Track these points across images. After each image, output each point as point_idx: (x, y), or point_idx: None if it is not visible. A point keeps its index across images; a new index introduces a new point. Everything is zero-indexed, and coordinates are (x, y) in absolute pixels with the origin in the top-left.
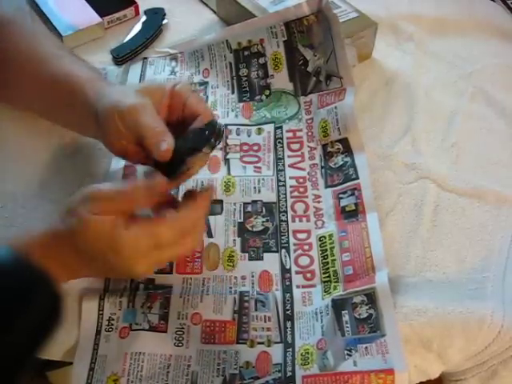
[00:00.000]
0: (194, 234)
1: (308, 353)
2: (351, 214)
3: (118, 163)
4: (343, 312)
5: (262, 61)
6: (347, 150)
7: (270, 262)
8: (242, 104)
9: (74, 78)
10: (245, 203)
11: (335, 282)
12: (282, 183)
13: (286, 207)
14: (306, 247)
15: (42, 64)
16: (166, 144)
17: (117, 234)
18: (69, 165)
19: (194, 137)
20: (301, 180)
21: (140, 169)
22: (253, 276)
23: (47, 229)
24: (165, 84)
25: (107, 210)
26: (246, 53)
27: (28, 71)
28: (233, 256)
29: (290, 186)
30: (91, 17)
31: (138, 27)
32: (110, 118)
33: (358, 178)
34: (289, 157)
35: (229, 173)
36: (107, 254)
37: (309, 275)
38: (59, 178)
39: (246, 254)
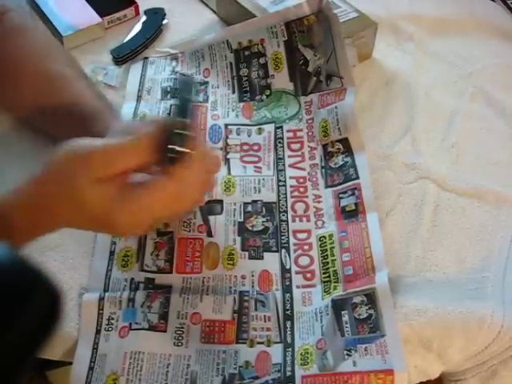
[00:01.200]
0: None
1: (308, 353)
2: (351, 213)
3: None
4: (343, 312)
5: (262, 61)
6: (347, 149)
7: (270, 262)
8: (242, 104)
9: (89, 107)
10: (245, 203)
11: (335, 282)
12: (282, 183)
13: (286, 207)
14: (306, 247)
15: (53, 85)
16: None
17: (113, 212)
18: None
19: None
20: (301, 180)
21: None
22: (253, 275)
23: (33, 179)
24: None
25: (107, 176)
26: (246, 53)
27: (36, 89)
28: (233, 254)
29: (290, 186)
30: (91, 17)
31: (138, 27)
32: None
33: (358, 177)
34: (289, 157)
35: (229, 173)
36: (102, 226)
37: (309, 275)
38: None
39: (246, 253)
